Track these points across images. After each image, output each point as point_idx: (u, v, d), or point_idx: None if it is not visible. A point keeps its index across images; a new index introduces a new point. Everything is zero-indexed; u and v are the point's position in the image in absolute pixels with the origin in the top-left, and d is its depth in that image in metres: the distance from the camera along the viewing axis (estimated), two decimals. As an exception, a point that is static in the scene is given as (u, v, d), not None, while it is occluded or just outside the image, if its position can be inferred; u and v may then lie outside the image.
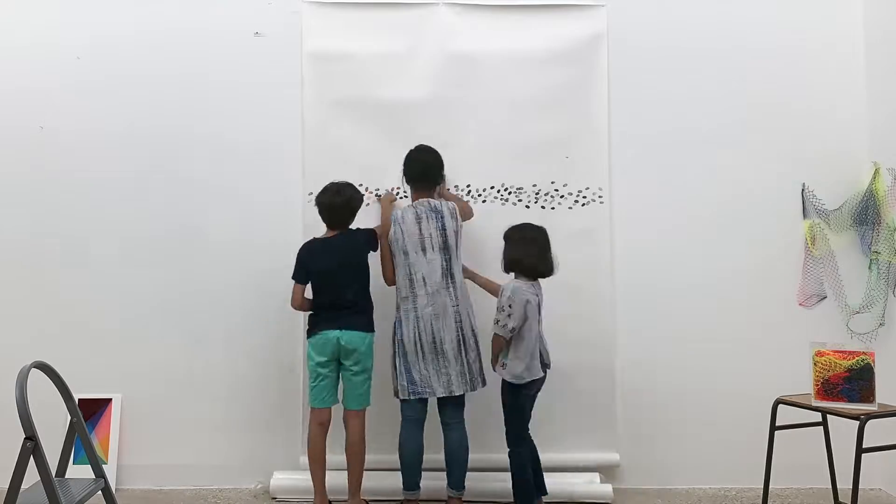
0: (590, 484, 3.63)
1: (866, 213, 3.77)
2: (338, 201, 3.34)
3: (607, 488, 3.60)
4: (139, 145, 3.88)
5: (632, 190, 3.85)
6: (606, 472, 3.73)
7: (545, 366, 3.28)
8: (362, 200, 3.48)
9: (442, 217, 3.29)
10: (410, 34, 3.88)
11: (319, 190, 3.43)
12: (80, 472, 3.70)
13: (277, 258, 3.79)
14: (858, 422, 2.73)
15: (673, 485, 3.77)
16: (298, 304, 3.37)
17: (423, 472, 3.30)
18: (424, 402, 3.29)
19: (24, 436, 2.35)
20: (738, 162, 3.87)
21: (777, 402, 3.08)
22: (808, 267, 3.84)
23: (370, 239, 3.41)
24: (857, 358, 2.90)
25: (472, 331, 3.32)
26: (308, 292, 3.41)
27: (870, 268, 3.79)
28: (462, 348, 3.26)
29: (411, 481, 3.26)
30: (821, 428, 3.16)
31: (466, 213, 3.53)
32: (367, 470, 3.34)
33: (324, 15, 3.90)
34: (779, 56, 3.91)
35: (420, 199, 3.37)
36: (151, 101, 3.89)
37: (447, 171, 3.80)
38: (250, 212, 3.86)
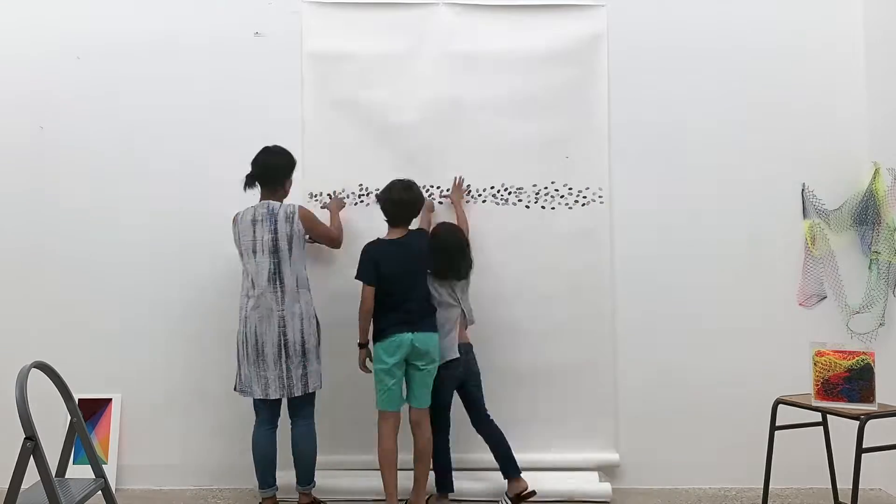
0: (589, 483, 3.63)
1: (866, 213, 3.77)
2: (407, 198, 3.35)
3: (606, 487, 3.61)
4: (139, 145, 3.88)
5: (632, 190, 3.85)
6: (606, 471, 3.73)
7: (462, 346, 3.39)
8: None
9: (275, 220, 3.28)
10: (410, 34, 3.88)
11: (383, 188, 3.44)
12: (80, 472, 3.70)
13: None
14: (858, 422, 2.73)
15: (673, 485, 3.77)
16: (371, 306, 3.27)
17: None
18: (273, 402, 3.32)
19: (24, 436, 2.34)
20: (738, 162, 3.87)
21: (777, 402, 3.08)
22: (808, 267, 3.84)
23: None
24: (857, 358, 2.89)
25: (302, 338, 3.26)
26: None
27: (870, 268, 3.79)
28: (282, 353, 3.24)
29: (264, 479, 3.34)
30: (821, 428, 3.15)
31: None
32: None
33: (324, 15, 3.90)
34: (779, 56, 3.90)
35: (263, 201, 3.36)
36: (151, 101, 3.89)
37: (448, 171, 3.83)
38: (250, 212, 3.86)
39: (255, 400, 3.31)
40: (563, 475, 3.63)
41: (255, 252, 3.27)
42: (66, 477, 2.68)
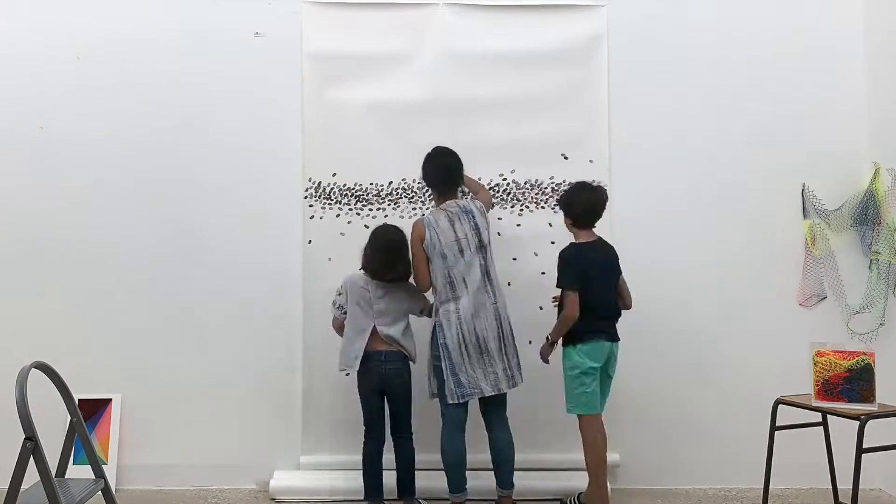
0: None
1: (866, 213, 3.77)
2: (595, 198, 3.33)
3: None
4: (139, 145, 3.88)
5: (631, 190, 3.85)
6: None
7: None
8: None
9: (473, 216, 3.28)
10: (410, 34, 3.88)
11: (569, 189, 3.41)
12: (80, 472, 3.70)
13: (277, 258, 3.81)
14: (858, 422, 2.73)
15: (673, 485, 3.77)
16: (576, 314, 3.17)
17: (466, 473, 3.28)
18: (466, 404, 3.26)
19: (24, 436, 2.34)
20: (738, 162, 3.87)
21: (777, 402, 3.08)
22: (808, 267, 3.84)
23: None
24: (857, 358, 2.89)
25: (510, 328, 3.31)
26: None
27: (870, 268, 3.79)
28: (503, 345, 3.26)
29: (459, 484, 3.24)
30: (821, 428, 3.15)
31: (488, 204, 3.53)
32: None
33: (324, 15, 3.90)
34: (779, 56, 3.91)
35: (447, 202, 3.34)
36: (151, 101, 3.89)
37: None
38: (250, 212, 3.86)
39: (454, 406, 3.19)
40: (564, 475, 3.63)
41: (461, 251, 3.23)
42: (66, 477, 2.68)
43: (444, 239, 3.23)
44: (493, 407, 3.29)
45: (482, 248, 3.27)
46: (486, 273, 3.27)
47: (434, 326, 3.26)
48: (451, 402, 3.18)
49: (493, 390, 3.20)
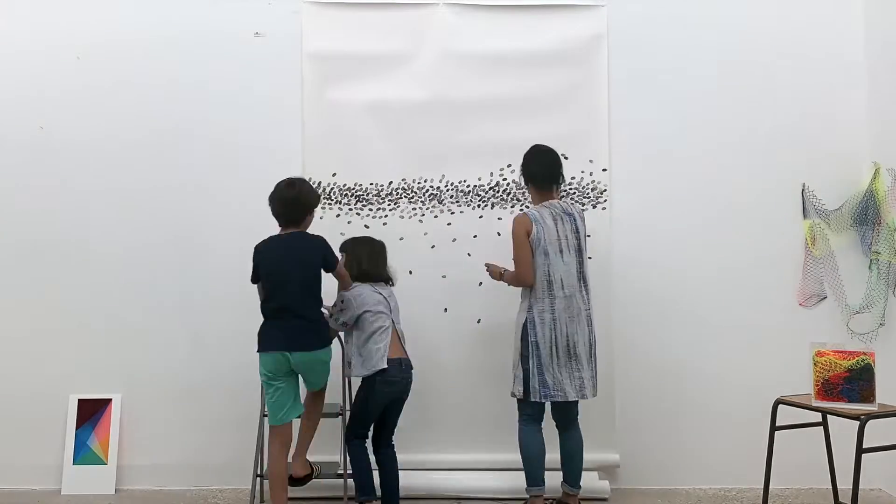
0: (587, 481, 3.61)
1: (866, 213, 3.77)
2: None
3: (605, 485, 3.63)
4: (139, 145, 3.88)
5: (631, 190, 3.85)
6: (606, 471, 3.73)
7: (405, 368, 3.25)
8: None
9: (574, 220, 3.27)
10: (410, 34, 3.88)
11: None
12: (80, 471, 3.72)
13: (277, 258, 3.80)
14: (858, 422, 2.73)
15: (673, 485, 3.77)
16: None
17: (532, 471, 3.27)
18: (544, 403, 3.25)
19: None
20: (738, 162, 3.87)
21: (777, 402, 3.08)
22: (808, 267, 3.84)
23: None
24: (857, 358, 2.89)
25: (595, 336, 3.30)
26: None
27: (870, 268, 3.78)
28: (592, 352, 3.25)
29: (539, 478, 3.23)
30: (821, 428, 3.15)
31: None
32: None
33: (324, 15, 3.90)
34: (779, 56, 3.90)
35: (550, 201, 3.30)
36: (151, 101, 3.89)
37: (448, 170, 3.84)
38: (250, 212, 3.85)
39: (535, 403, 3.17)
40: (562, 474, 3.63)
41: (561, 251, 3.20)
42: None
43: (548, 236, 3.20)
44: (569, 408, 3.28)
45: (580, 251, 3.26)
46: (583, 278, 3.25)
47: (525, 323, 3.21)
48: (533, 399, 3.16)
49: (577, 395, 3.18)
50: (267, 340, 3.10)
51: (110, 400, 3.81)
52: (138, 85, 3.89)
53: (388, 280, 3.38)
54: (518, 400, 3.24)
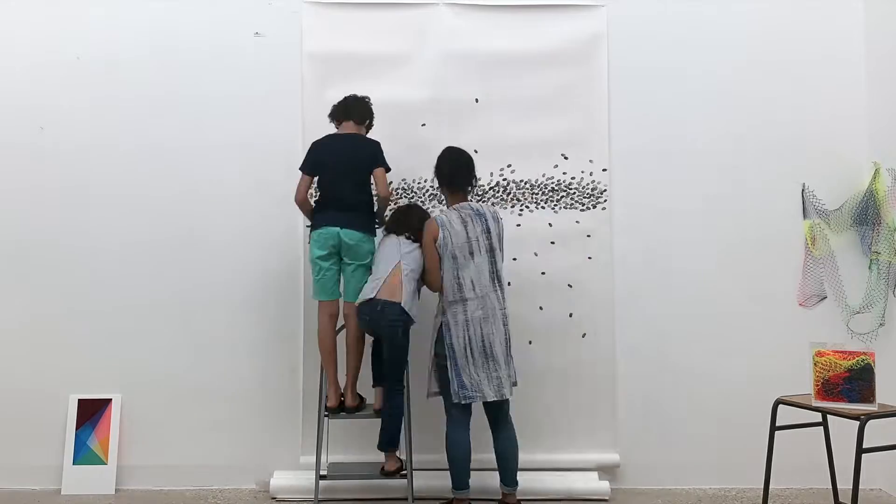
0: (587, 481, 3.64)
1: (866, 213, 3.77)
2: None
3: (605, 485, 3.63)
4: (138, 145, 3.88)
5: (632, 190, 3.85)
6: (606, 471, 3.73)
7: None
8: None
9: (485, 220, 3.29)
10: (411, 34, 3.88)
11: None
12: (80, 471, 3.72)
13: (277, 258, 3.81)
14: (858, 422, 2.73)
15: (673, 485, 3.77)
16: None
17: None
18: (470, 404, 3.26)
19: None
20: (738, 162, 3.87)
21: (777, 402, 3.08)
22: (808, 267, 3.84)
23: None
24: (857, 358, 2.89)
25: (510, 334, 3.32)
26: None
27: (870, 268, 3.79)
28: (507, 350, 3.27)
29: (463, 480, 3.25)
30: (821, 428, 3.15)
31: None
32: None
33: (324, 15, 3.90)
34: (779, 56, 3.90)
35: (461, 203, 3.34)
36: (151, 101, 3.89)
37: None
38: (250, 212, 3.86)
39: (458, 405, 3.21)
40: (563, 474, 3.64)
41: (472, 253, 3.24)
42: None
43: (455, 240, 3.24)
44: (498, 407, 3.29)
45: (492, 251, 3.28)
46: (497, 278, 3.28)
47: (441, 326, 3.26)
48: (455, 401, 3.19)
49: (496, 395, 3.21)
50: (320, 219, 3.36)
51: (110, 400, 3.81)
52: (138, 85, 3.89)
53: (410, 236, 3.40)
54: (444, 402, 3.26)
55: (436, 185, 3.54)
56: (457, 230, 3.25)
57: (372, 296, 3.24)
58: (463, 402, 3.19)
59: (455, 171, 3.38)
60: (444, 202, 3.80)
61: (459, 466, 3.23)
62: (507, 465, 3.29)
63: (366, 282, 3.34)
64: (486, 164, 3.81)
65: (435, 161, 3.42)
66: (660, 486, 3.76)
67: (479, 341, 3.21)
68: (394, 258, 3.31)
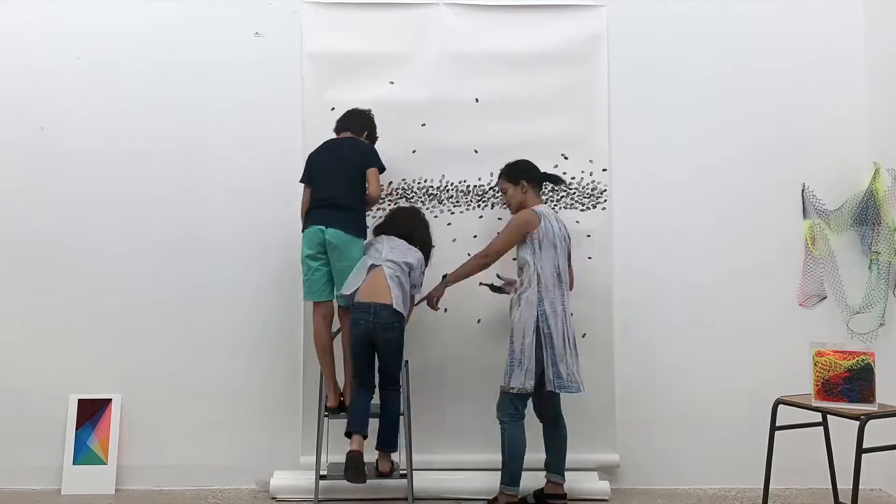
0: (587, 481, 3.64)
1: (866, 213, 3.77)
2: None
3: (605, 485, 3.63)
4: (138, 145, 3.87)
5: (631, 190, 3.85)
6: (606, 471, 3.73)
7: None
8: None
9: (564, 226, 3.41)
10: (410, 34, 3.88)
11: None
12: (80, 471, 3.72)
13: (278, 258, 3.81)
14: (858, 422, 2.73)
15: (673, 485, 3.77)
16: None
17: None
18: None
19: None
20: (738, 162, 3.87)
21: (777, 402, 3.08)
22: (808, 267, 3.84)
23: None
24: (857, 358, 2.89)
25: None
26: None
27: (870, 268, 3.79)
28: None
29: (518, 477, 3.28)
30: (821, 428, 3.15)
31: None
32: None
33: (324, 15, 3.90)
34: (779, 56, 3.91)
35: (541, 205, 3.41)
36: (150, 100, 3.89)
37: (448, 171, 3.84)
38: (250, 211, 3.86)
39: (522, 400, 3.25)
40: (569, 475, 3.62)
41: (555, 247, 3.30)
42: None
43: (555, 231, 3.31)
44: (556, 403, 3.35)
45: (569, 256, 3.40)
46: (562, 275, 3.35)
47: (537, 313, 3.24)
48: (549, 389, 3.22)
49: (583, 389, 3.27)
50: (308, 219, 3.40)
51: (110, 400, 3.81)
52: (138, 84, 3.89)
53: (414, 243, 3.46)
54: (503, 396, 3.27)
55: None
56: (553, 224, 3.32)
57: (347, 293, 3.28)
58: (557, 390, 3.23)
59: (540, 175, 3.46)
60: (444, 202, 3.82)
61: (521, 464, 3.27)
62: (562, 457, 3.36)
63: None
64: (486, 164, 3.81)
65: (508, 166, 3.47)
66: (660, 486, 3.76)
67: (571, 332, 3.28)
68: (377, 260, 3.32)
